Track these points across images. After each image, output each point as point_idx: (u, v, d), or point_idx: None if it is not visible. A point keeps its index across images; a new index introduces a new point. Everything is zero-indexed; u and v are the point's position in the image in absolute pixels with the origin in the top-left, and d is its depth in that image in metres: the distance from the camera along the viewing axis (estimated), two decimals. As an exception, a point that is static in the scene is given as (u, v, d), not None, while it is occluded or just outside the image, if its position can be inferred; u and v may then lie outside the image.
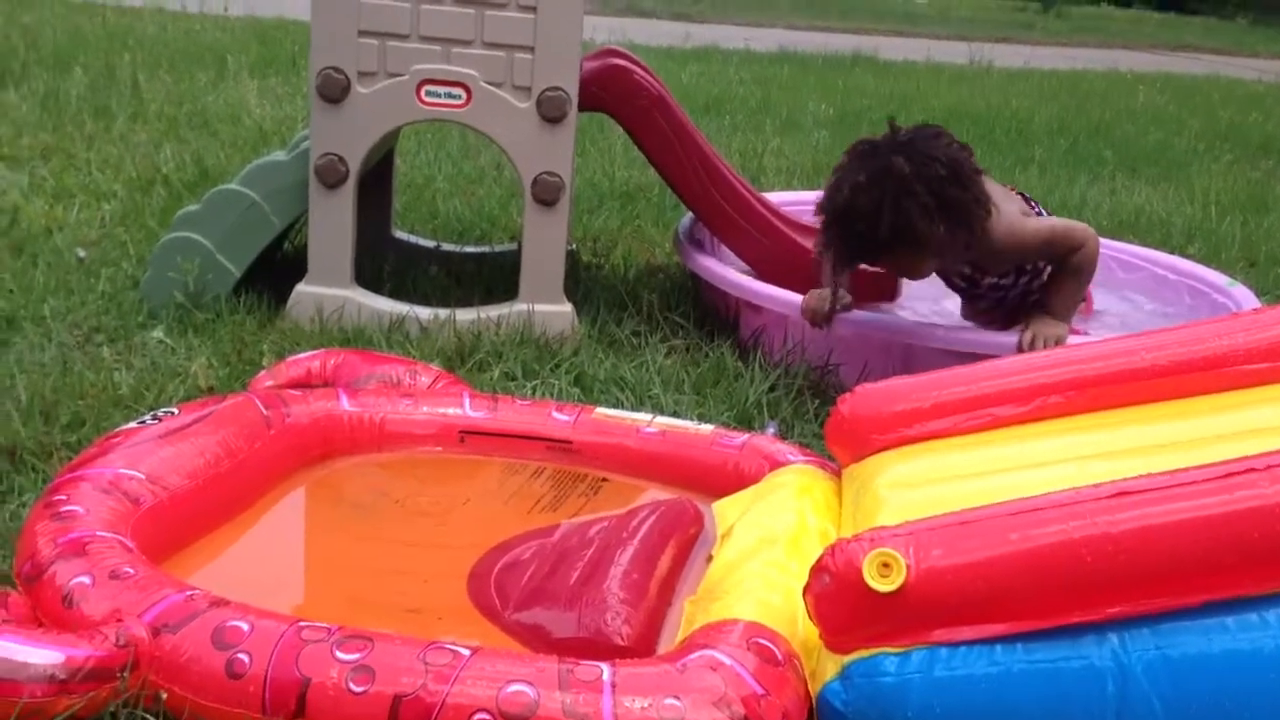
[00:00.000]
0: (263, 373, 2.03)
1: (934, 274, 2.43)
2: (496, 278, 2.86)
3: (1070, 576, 1.08)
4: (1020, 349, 2.22)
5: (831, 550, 1.18)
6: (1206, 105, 7.56)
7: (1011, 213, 2.33)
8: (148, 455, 1.57)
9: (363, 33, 2.41)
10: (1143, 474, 1.15)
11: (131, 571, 1.31)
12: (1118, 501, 1.09)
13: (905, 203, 2.12)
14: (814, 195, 3.45)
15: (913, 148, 2.18)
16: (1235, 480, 1.07)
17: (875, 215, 2.14)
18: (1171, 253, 3.31)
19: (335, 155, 2.45)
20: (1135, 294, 2.99)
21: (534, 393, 2.26)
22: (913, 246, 2.18)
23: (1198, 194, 4.72)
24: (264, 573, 1.57)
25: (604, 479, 1.88)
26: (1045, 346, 2.20)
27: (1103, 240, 3.13)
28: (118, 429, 1.68)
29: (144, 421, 1.67)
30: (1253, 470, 1.07)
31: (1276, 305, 1.57)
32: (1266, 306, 1.62)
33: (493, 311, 2.55)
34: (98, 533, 1.38)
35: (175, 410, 1.71)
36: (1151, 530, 1.06)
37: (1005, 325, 2.48)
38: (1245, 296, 2.72)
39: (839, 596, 1.16)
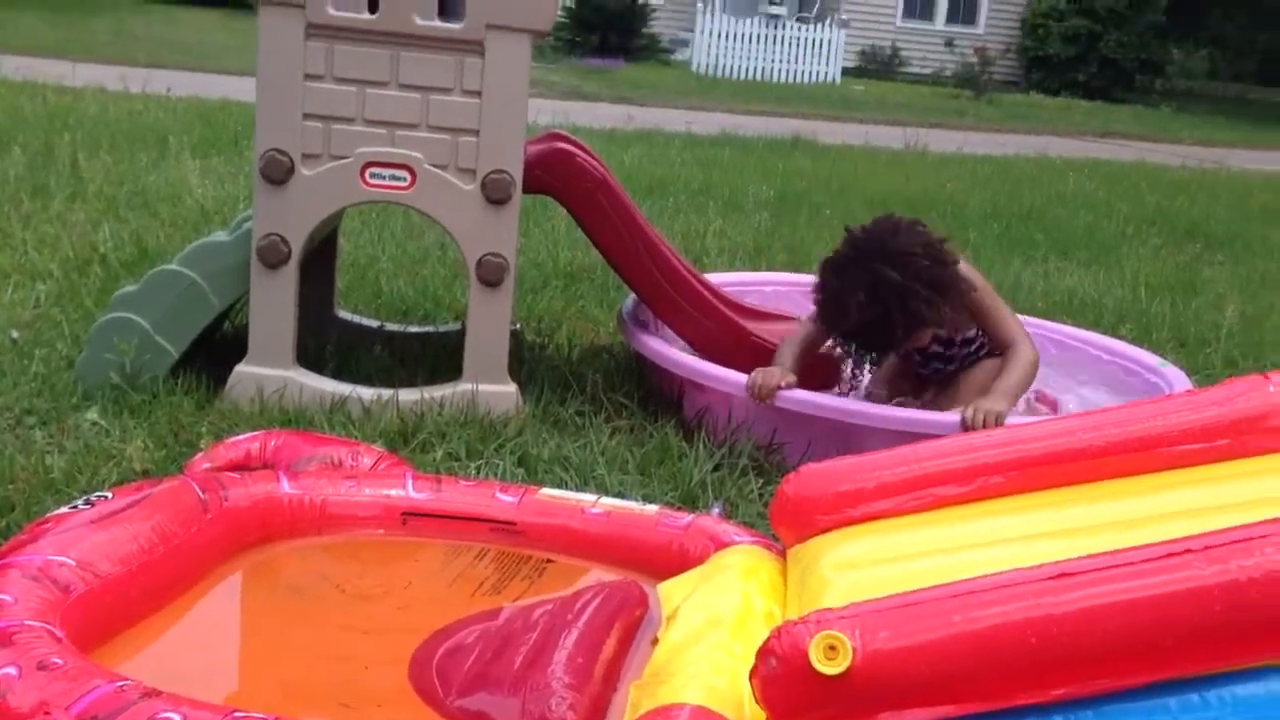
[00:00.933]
0: (200, 455, 1.99)
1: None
2: (440, 358, 2.85)
3: (1014, 658, 1.09)
4: (964, 426, 2.29)
5: (778, 633, 1.17)
6: (1134, 190, 7.78)
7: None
8: (79, 541, 1.52)
9: (308, 115, 2.42)
10: (1083, 554, 1.16)
11: (60, 662, 1.27)
12: (1060, 583, 1.10)
13: (911, 305, 2.36)
14: (755, 276, 3.53)
15: (889, 251, 2.39)
16: (1173, 561, 1.09)
17: (889, 324, 2.39)
18: (1104, 334, 3.39)
19: (278, 236, 2.45)
20: (1072, 375, 3.04)
21: (478, 473, 2.25)
22: (922, 328, 2.45)
23: (1128, 276, 4.84)
24: (198, 661, 1.53)
25: (548, 560, 1.86)
26: (987, 423, 2.28)
27: (1037, 320, 3.21)
28: (48, 514, 1.64)
29: (76, 506, 1.63)
30: (1190, 551, 1.09)
31: (1209, 388, 1.60)
32: (1199, 389, 1.65)
33: (436, 392, 2.54)
34: (25, 621, 1.33)
35: (109, 494, 1.67)
36: (1093, 611, 1.07)
37: (927, 395, 2.67)
38: (1177, 376, 2.78)
39: (785, 680, 1.15)
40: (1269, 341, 3.90)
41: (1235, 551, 1.08)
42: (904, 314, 2.37)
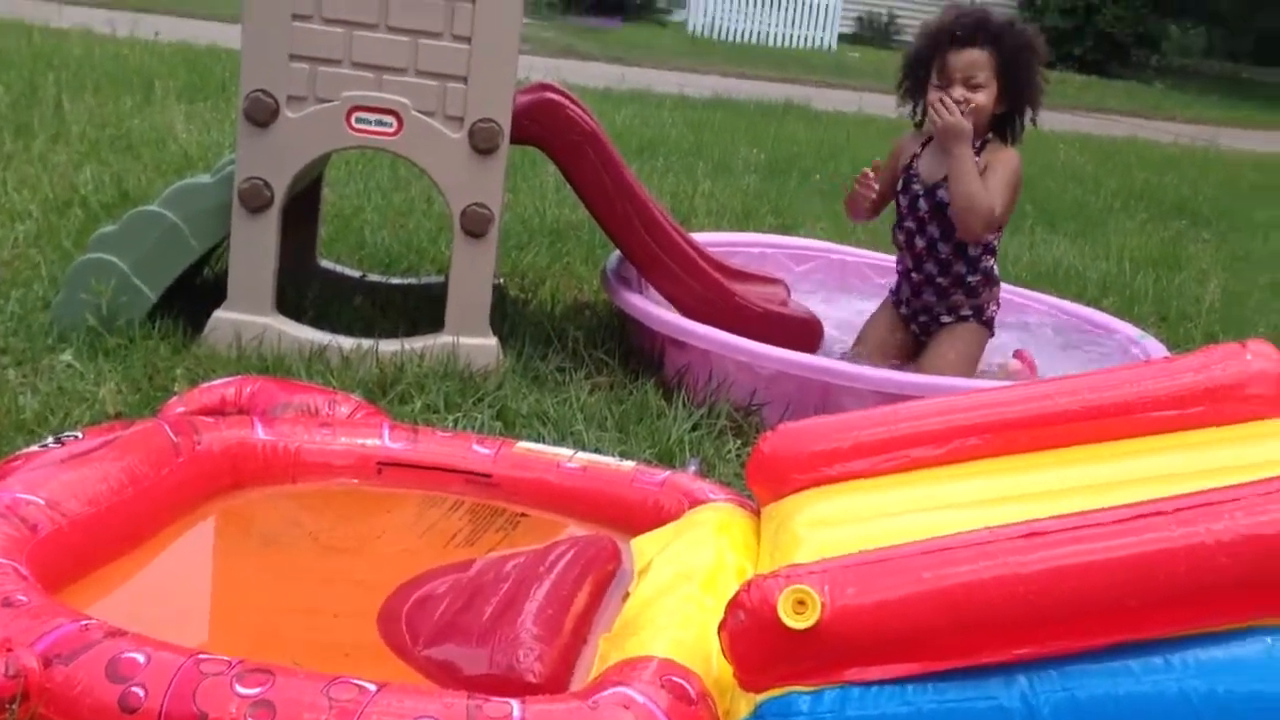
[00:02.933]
0: (174, 399, 1.97)
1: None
2: (422, 310, 2.83)
3: (980, 616, 1.09)
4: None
5: (747, 586, 1.17)
6: (1124, 166, 7.77)
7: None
8: (48, 480, 1.51)
9: (294, 56, 2.39)
10: (1054, 516, 1.16)
11: (24, 599, 1.26)
12: (1028, 542, 1.10)
13: (1040, 54, 2.69)
14: (743, 237, 3.52)
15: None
16: (1142, 523, 1.09)
17: (1028, 53, 2.66)
18: (1087, 305, 3.39)
19: (260, 179, 2.42)
20: (1053, 344, 3.05)
21: (456, 426, 2.24)
22: (1036, 95, 2.67)
23: (1113, 250, 4.84)
24: (166, 605, 1.52)
25: (523, 514, 1.86)
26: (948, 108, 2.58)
27: (1019, 289, 3.22)
28: (17, 452, 1.63)
29: (46, 445, 1.62)
30: (1160, 513, 1.09)
31: (1186, 354, 1.60)
32: (1176, 355, 1.65)
33: (417, 343, 2.52)
34: (-9, 558, 1.33)
35: (79, 434, 1.66)
36: (1059, 571, 1.07)
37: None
38: (1156, 349, 2.78)
39: (754, 633, 1.15)
40: (1249, 318, 3.91)
41: (1205, 514, 1.08)
42: (1037, 64, 2.66)
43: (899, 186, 2.80)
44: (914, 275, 2.79)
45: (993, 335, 2.82)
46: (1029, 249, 4.69)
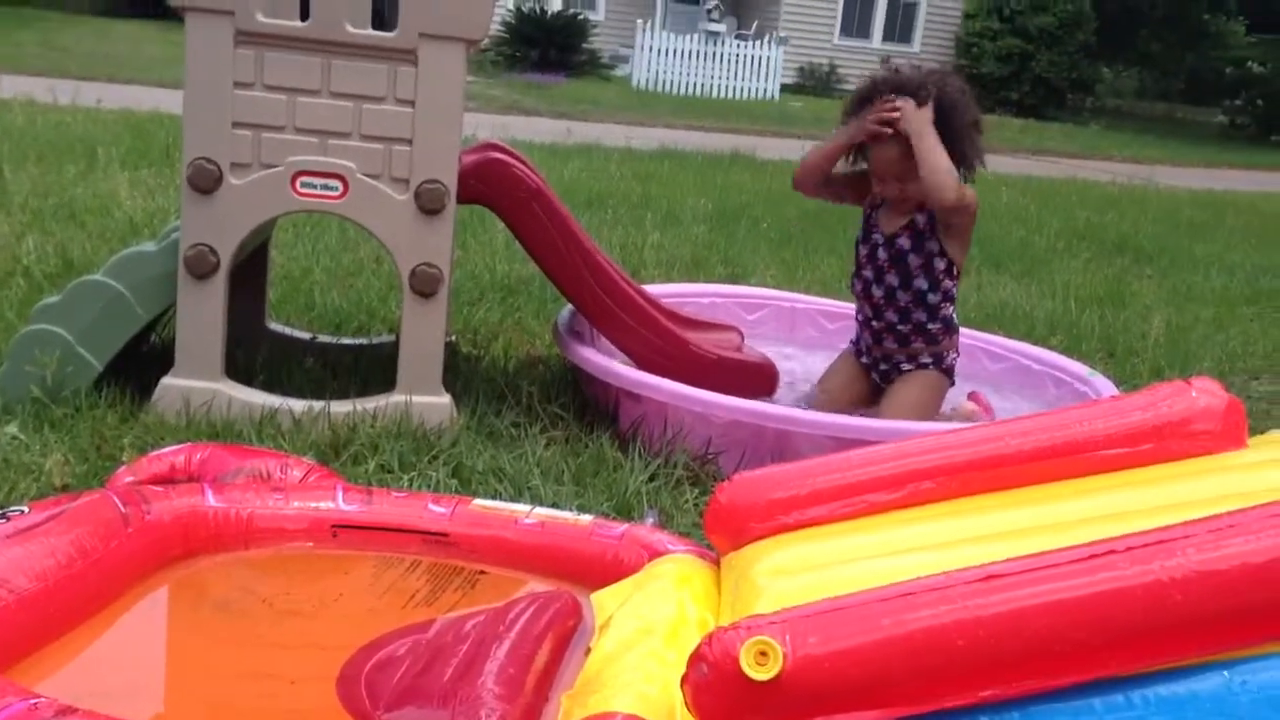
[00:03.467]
0: (123, 468, 1.94)
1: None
2: (374, 369, 2.82)
3: (942, 660, 1.09)
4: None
5: (709, 639, 1.16)
6: (1065, 205, 7.92)
7: None
8: (-6, 556, 1.48)
9: (237, 124, 2.38)
10: (1011, 557, 1.17)
11: (-29, 680, 1.23)
12: (986, 585, 1.10)
13: (971, 115, 2.68)
14: (693, 287, 3.54)
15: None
16: (1098, 562, 1.09)
17: (955, 113, 2.65)
18: (1036, 344, 3.43)
19: (206, 246, 2.40)
20: (1004, 384, 3.08)
21: (411, 485, 2.22)
22: (970, 156, 2.67)
23: (1058, 289, 4.92)
24: (119, 678, 1.49)
25: (482, 572, 1.84)
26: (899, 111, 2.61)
27: (971, 332, 3.26)
28: (-38, 529, 1.59)
29: (-9, 520, 1.59)
30: (1113, 552, 1.10)
31: (1133, 393, 1.63)
32: (1124, 394, 1.68)
33: (369, 403, 2.51)
34: (-65, 639, 1.29)
35: (26, 509, 1.63)
36: (1019, 613, 1.08)
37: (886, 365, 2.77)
38: (1106, 386, 2.82)
39: (717, 686, 1.14)
40: (1194, 351, 3.98)
41: (1158, 552, 1.09)
42: (967, 117, 2.64)
43: (859, 235, 2.84)
44: (874, 324, 2.82)
45: (953, 384, 2.84)
46: (976, 290, 4.76)
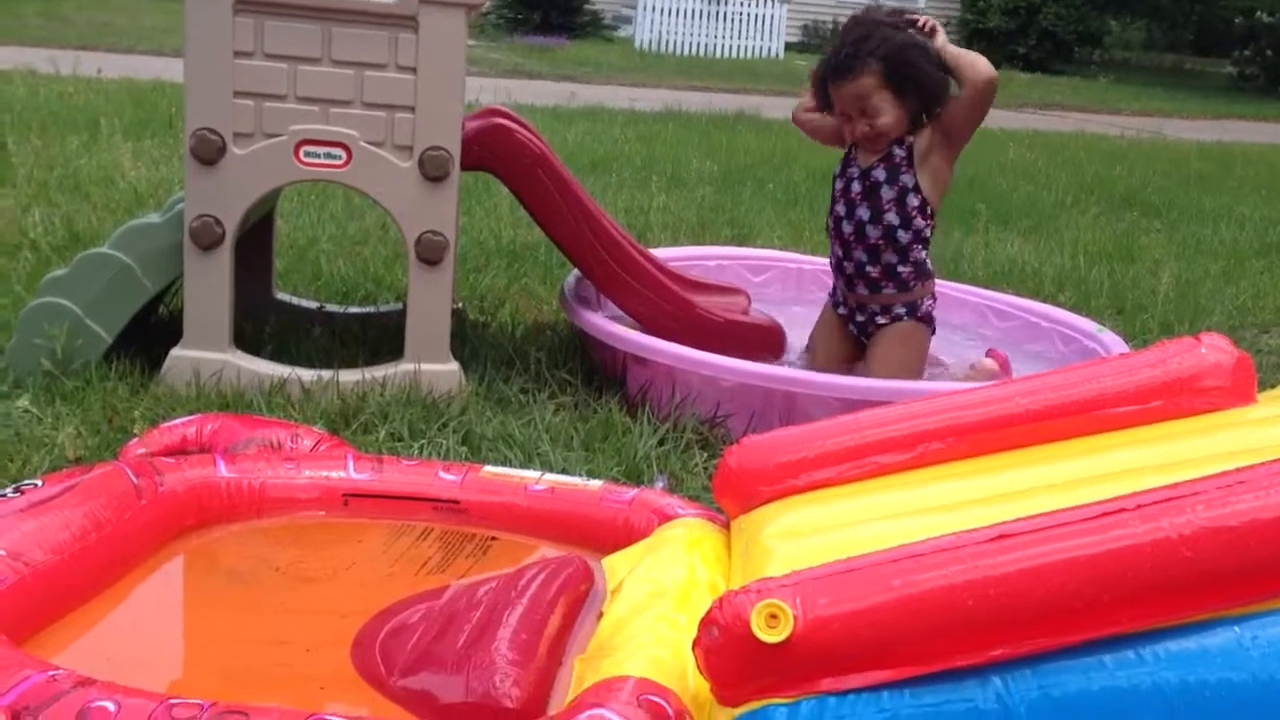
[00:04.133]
0: (134, 440, 1.95)
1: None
2: (382, 338, 2.82)
3: (953, 620, 1.09)
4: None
5: (720, 603, 1.17)
6: (1073, 160, 7.87)
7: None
8: (8, 530, 1.49)
9: (238, 93, 2.37)
10: (1021, 517, 1.17)
11: (-11, 653, 1.24)
12: (997, 545, 1.11)
13: (929, 57, 2.64)
14: (699, 250, 3.53)
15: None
16: (1108, 520, 1.10)
17: (914, 58, 2.63)
18: (1044, 301, 3.42)
19: (211, 217, 2.40)
20: (1013, 342, 3.07)
21: (421, 452, 2.23)
22: (935, 93, 2.65)
23: (1067, 245, 4.90)
24: (136, 649, 1.50)
25: (493, 538, 1.85)
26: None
27: (979, 290, 3.25)
28: (-24, 503, 1.60)
29: (5, 494, 1.60)
30: (1123, 510, 1.10)
31: (1142, 350, 1.62)
32: (1132, 351, 1.67)
33: (378, 372, 2.51)
34: (-47, 613, 1.30)
35: (39, 482, 1.63)
36: (1029, 572, 1.08)
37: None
38: (1114, 342, 2.82)
39: (728, 649, 1.15)
40: (1204, 306, 3.97)
41: (1168, 510, 1.09)
42: (925, 59, 2.62)
43: (836, 170, 2.83)
44: (845, 265, 2.76)
45: (933, 332, 2.79)
46: (984, 247, 4.74)
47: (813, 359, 2.83)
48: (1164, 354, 1.55)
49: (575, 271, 2.89)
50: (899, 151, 2.69)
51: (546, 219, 2.71)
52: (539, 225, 2.77)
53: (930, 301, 2.77)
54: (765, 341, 2.82)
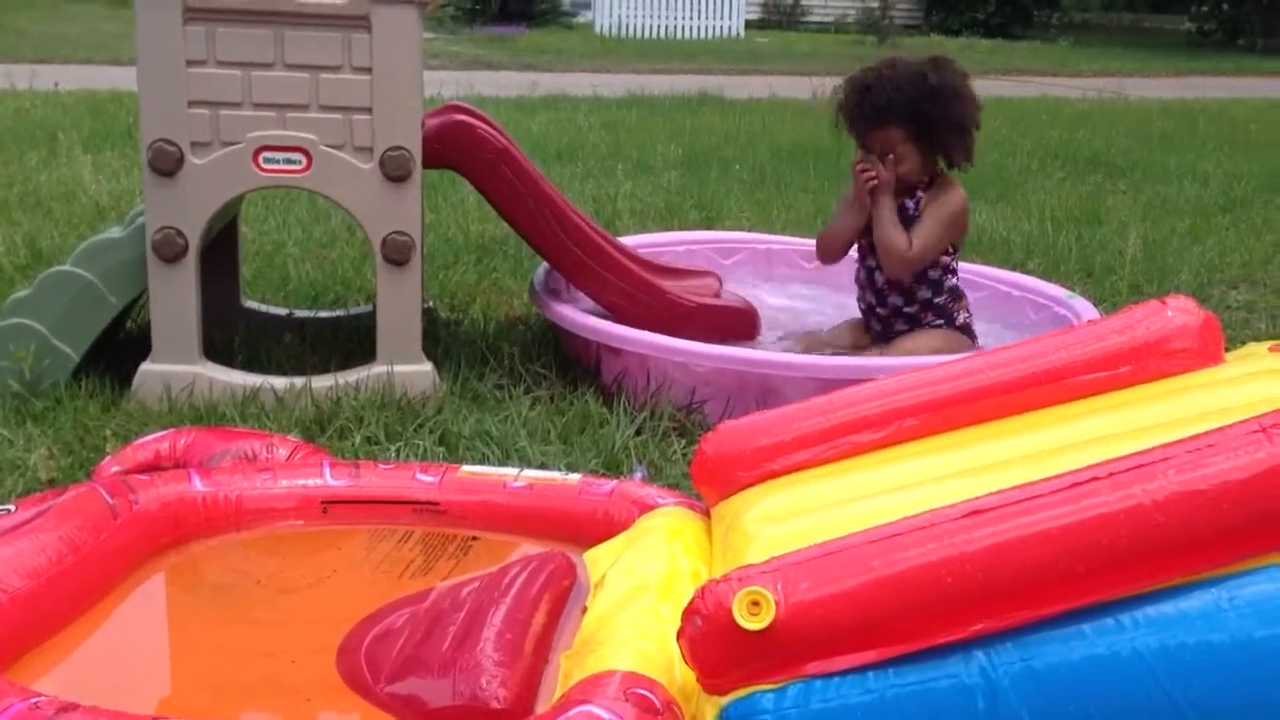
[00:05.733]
0: (108, 459, 1.94)
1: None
2: (353, 341, 2.81)
3: (933, 598, 1.10)
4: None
5: (701, 593, 1.17)
6: (1037, 125, 7.89)
7: None
8: (-16, 558, 1.48)
9: (193, 103, 2.35)
10: (997, 490, 1.17)
11: (-31, 684, 1.23)
12: (972, 520, 1.11)
13: (957, 105, 2.68)
14: (667, 236, 3.52)
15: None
16: (1080, 490, 1.10)
17: (945, 106, 2.66)
18: (1013, 269, 3.43)
19: (173, 229, 2.38)
20: (984, 313, 3.08)
21: (398, 455, 2.22)
22: (960, 143, 2.69)
23: (1034, 211, 4.92)
24: (119, 669, 1.50)
25: (474, 538, 1.85)
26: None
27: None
28: (-50, 532, 1.58)
29: (-22, 522, 1.58)
30: (1096, 479, 1.11)
31: (1109, 316, 1.63)
32: (1100, 318, 1.68)
33: (350, 376, 2.50)
34: (-70, 645, 1.29)
35: (11, 507, 1.62)
36: (1005, 546, 1.09)
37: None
38: (1085, 308, 2.83)
39: (712, 638, 1.15)
40: (1171, 265, 3.99)
41: (1140, 476, 1.10)
42: (955, 107, 2.65)
43: (861, 228, 2.81)
44: (879, 310, 2.81)
45: (974, 341, 2.80)
46: (952, 218, 4.74)
47: (813, 341, 2.83)
48: (1131, 319, 1.56)
49: (545, 264, 2.88)
50: (910, 204, 2.73)
51: (512, 213, 2.70)
52: (505, 220, 2.76)
53: (966, 315, 2.81)
54: (738, 324, 2.82)
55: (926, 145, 2.69)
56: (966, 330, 2.80)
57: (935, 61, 2.72)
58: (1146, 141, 7.32)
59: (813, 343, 2.84)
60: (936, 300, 2.77)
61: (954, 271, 2.80)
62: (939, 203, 2.72)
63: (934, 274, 2.74)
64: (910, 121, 2.65)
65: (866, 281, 2.82)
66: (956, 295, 2.80)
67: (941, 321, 2.77)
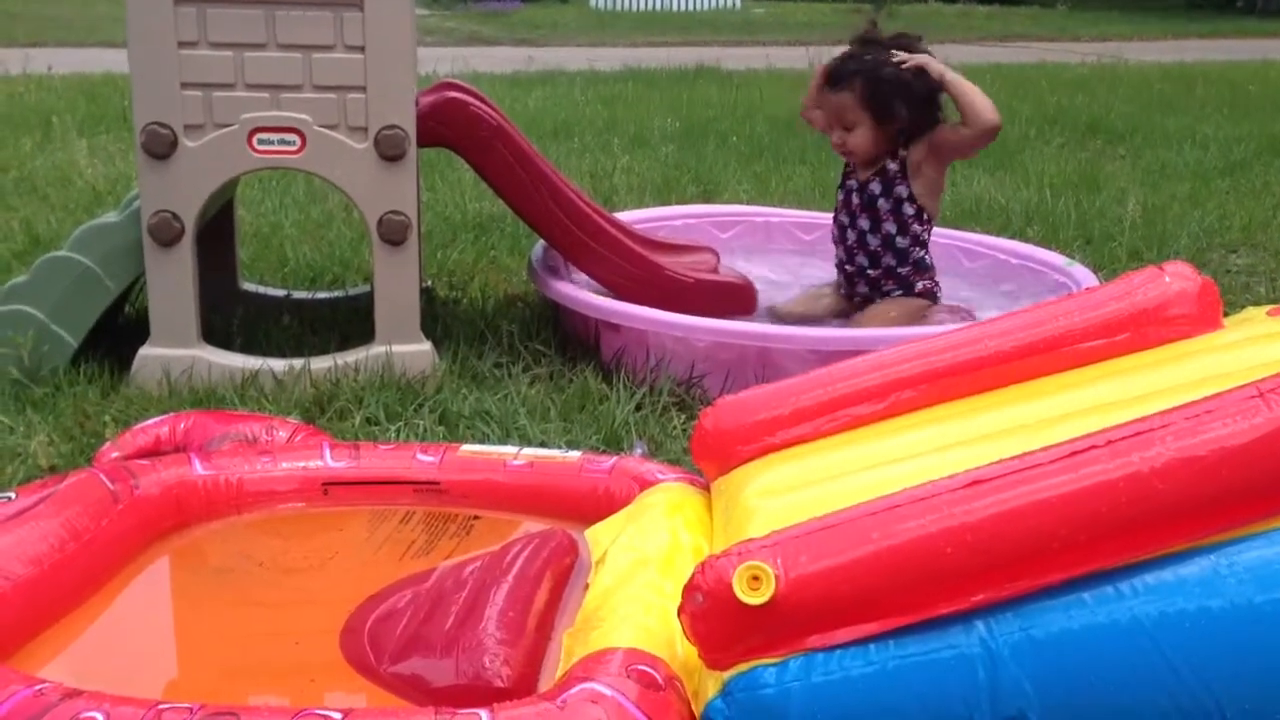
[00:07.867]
0: (108, 444, 1.94)
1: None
2: (352, 322, 2.80)
3: (933, 569, 1.10)
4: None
5: (702, 568, 1.17)
6: (1035, 92, 7.85)
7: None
8: (-14, 546, 1.48)
9: (186, 85, 2.34)
10: (997, 459, 1.17)
11: (-26, 671, 1.23)
12: (971, 491, 1.11)
13: (885, 71, 2.71)
14: (664, 211, 3.51)
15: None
16: (1079, 459, 1.10)
17: (865, 52, 2.74)
18: (1012, 237, 3.42)
19: (168, 213, 2.37)
20: (983, 282, 3.08)
21: (398, 435, 2.22)
22: (928, 110, 2.71)
23: (1033, 178, 4.90)
24: (124, 655, 1.50)
25: (475, 517, 1.85)
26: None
27: (948, 231, 3.25)
28: (-49, 521, 1.59)
29: (-21, 509, 1.58)
30: (1094, 447, 1.10)
31: (1108, 283, 1.63)
32: (1099, 285, 1.68)
33: (349, 357, 2.50)
34: (-66, 634, 1.30)
35: (13, 495, 1.62)
36: (1004, 516, 1.09)
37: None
38: (1084, 275, 2.82)
39: (713, 613, 1.16)
40: (1170, 231, 3.98)
41: (1138, 444, 1.10)
42: (904, 96, 2.68)
43: (838, 180, 2.90)
44: (847, 267, 2.88)
45: (935, 302, 2.85)
46: (951, 186, 4.72)
47: (793, 308, 2.86)
48: (1129, 286, 1.55)
49: (542, 241, 2.87)
50: (892, 165, 2.78)
51: (508, 191, 2.69)
52: (501, 198, 2.75)
53: (932, 284, 2.85)
54: (736, 298, 2.81)
55: (878, 114, 2.72)
56: (927, 295, 2.83)
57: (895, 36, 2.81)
58: (1145, 106, 7.28)
59: (784, 312, 2.87)
60: (900, 270, 2.81)
61: (924, 244, 2.83)
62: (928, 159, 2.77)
63: (902, 242, 2.78)
64: (864, 88, 2.71)
65: (839, 238, 2.89)
66: (921, 268, 2.83)
67: (900, 291, 2.81)
